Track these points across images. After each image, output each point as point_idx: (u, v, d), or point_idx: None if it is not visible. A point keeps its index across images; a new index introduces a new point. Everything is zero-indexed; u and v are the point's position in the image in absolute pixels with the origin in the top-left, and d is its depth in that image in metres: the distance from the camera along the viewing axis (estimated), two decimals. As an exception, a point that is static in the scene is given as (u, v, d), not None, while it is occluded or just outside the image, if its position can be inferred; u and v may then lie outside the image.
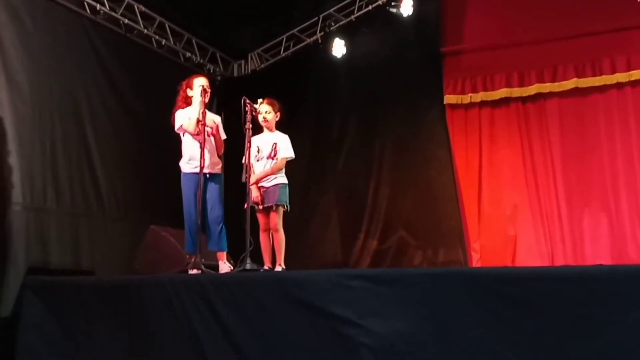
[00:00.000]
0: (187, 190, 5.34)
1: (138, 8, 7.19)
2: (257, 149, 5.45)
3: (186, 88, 5.43)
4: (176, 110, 5.40)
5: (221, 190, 5.49)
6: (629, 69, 6.99)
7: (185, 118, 5.31)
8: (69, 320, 4.90)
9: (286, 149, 5.46)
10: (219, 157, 5.56)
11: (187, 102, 5.41)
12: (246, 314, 4.19)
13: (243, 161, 5.25)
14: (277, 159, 5.42)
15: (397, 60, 7.90)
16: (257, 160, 5.44)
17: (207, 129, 5.31)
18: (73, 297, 4.96)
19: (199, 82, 5.40)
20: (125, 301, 4.70)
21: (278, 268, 5.22)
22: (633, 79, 6.97)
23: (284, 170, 5.46)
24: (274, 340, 4.06)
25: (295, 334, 4.01)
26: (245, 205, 5.18)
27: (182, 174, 5.40)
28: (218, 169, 5.50)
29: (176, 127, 5.37)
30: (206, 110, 5.33)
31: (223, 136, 5.54)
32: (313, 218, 8.10)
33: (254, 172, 5.36)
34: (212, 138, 5.43)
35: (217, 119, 5.61)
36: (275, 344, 4.05)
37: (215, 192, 5.39)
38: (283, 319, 4.06)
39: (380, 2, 7.95)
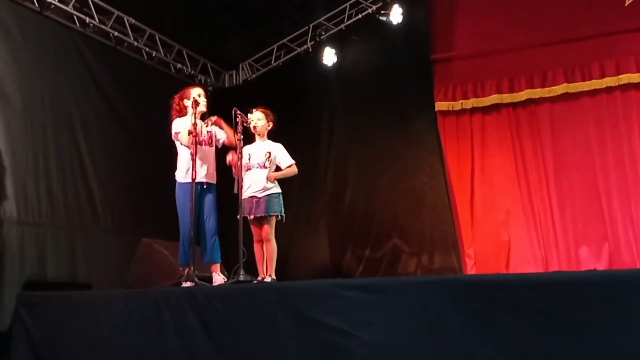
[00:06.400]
0: (182, 201, 5.29)
1: (128, 20, 7.18)
2: (247, 157, 5.41)
3: (179, 101, 5.45)
4: (173, 119, 5.41)
5: (216, 200, 5.47)
6: (617, 73, 7.01)
7: (181, 126, 5.30)
8: (59, 336, 4.87)
9: (288, 157, 5.50)
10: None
11: (182, 112, 5.42)
12: (239, 326, 4.17)
13: (235, 173, 5.26)
14: (272, 167, 5.41)
15: (388, 68, 7.91)
16: (248, 170, 5.39)
17: (202, 138, 5.32)
18: (63, 313, 4.93)
19: (193, 93, 5.42)
20: (116, 316, 4.66)
21: (268, 279, 5.20)
22: (622, 82, 6.99)
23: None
24: (268, 352, 4.05)
25: (288, 345, 3.99)
26: (238, 216, 5.18)
27: (177, 184, 5.37)
28: (214, 179, 5.47)
29: (173, 133, 5.36)
30: (197, 122, 5.30)
31: (222, 136, 5.49)
32: (304, 227, 8.08)
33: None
34: (205, 147, 5.39)
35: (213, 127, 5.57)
36: (269, 356, 4.04)
37: (211, 203, 5.36)
38: (276, 330, 4.05)
39: (369, 11, 7.98)
